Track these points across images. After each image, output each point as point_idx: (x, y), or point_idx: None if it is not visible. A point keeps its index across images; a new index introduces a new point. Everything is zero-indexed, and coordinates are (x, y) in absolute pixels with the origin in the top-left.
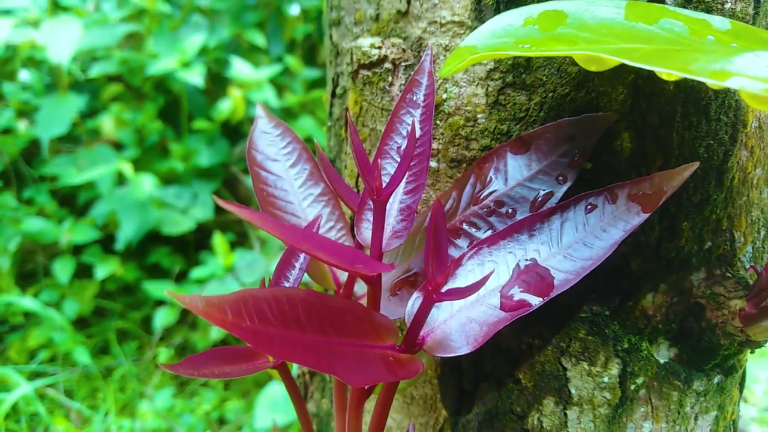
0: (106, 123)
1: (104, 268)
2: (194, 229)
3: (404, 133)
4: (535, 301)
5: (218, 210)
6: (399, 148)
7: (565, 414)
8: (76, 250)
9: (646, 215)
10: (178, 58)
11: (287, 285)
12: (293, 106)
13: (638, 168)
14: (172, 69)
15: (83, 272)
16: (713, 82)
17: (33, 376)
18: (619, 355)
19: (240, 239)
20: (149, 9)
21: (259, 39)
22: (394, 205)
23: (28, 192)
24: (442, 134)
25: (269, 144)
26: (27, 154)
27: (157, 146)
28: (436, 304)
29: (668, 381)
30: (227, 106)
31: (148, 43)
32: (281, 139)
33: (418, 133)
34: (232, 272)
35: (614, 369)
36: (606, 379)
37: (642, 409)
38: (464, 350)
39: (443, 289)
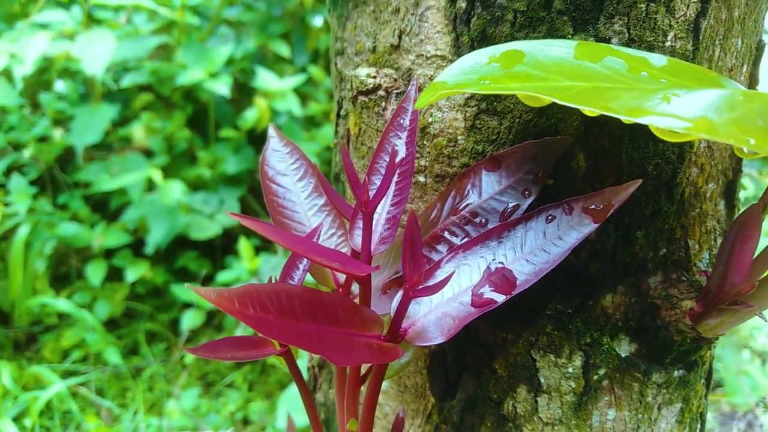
0: (137, 131)
1: (134, 272)
2: (220, 234)
3: (394, 149)
4: (501, 298)
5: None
6: (393, 165)
7: (536, 401)
8: (108, 253)
9: (596, 225)
10: (205, 69)
11: (292, 283)
12: (316, 114)
13: (593, 184)
14: (200, 79)
15: (114, 275)
16: (627, 119)
17: (66, 374)
18: (582, 348)
19: (264, 244)
20: (179, 21)
21: (284, 49)
22: (383, 215)
23: (63, 197)
24: (429, 153)
25: (279, 161)
26: (62, 161)
27: (185, 154)
28: (417, 300)
29: (629, 373)
30: (253, 115)
31: (178, 55)
32: (290, 156)
33: (403, 153)
34: (257, 276)
35: (577, 360)
36: (570, 370)
37: (606, 398)
38: (438, 340)
39: (419, 287)
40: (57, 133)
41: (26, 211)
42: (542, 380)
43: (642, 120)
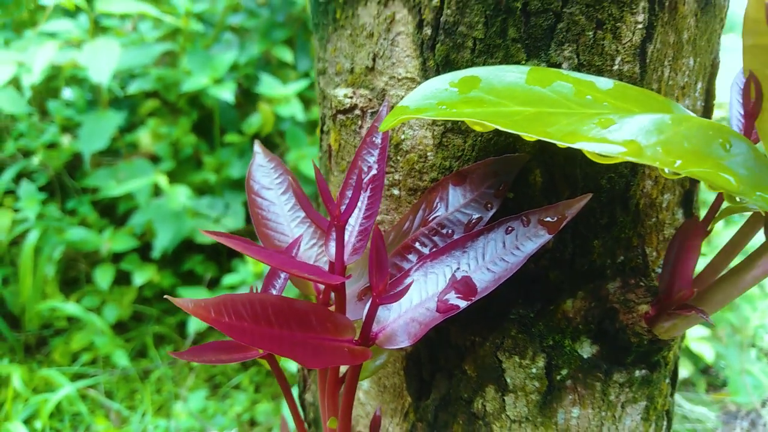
0: (144, 137)
1: (142, 275)
2: None
3: (365, 168)
4: (463, 304)
5: (249, 219)
6: (364, 179)
7: (503, 400)
8: (116, 258)
9: (551, 236)
10: (210, 76)
11: (274, 292)
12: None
13: (550, 197)
14: (204, 86)
15: (122, 279)
16: (562, 144)
17: (75, 377)
18: (544, 350)
19: None
20: (183, 28)
21: (287, 55)
22: (355, 227)
23: (71, 203)
24: (402, 167)
25: (264, 175)
26: (70, 167)
27: (191, 159)
28: (388, 306)
29: (591, 373)
30: (257, 120)
31: (183, 61)
32: (274, 171)
33: (375, 169)
34: (262, 279)
35: (541, 362)
36: (534, 371)
37: (570, 397)
38: (405, 343)
39: (385, 295)
40: (65, 140)
41: (35, 217)
42: (508, 380)
43: (575, 145)
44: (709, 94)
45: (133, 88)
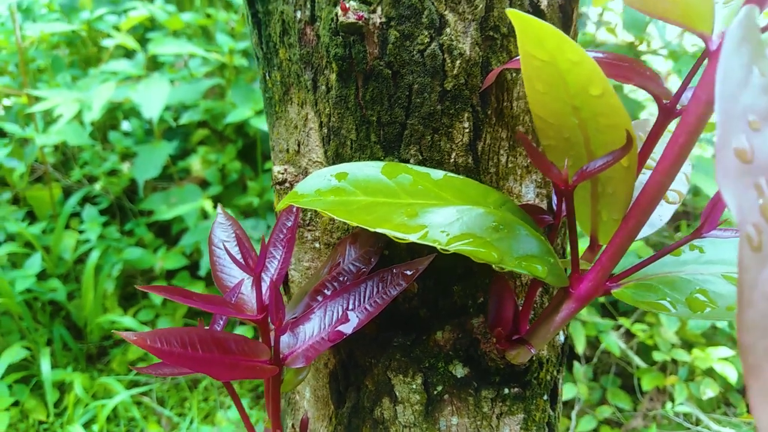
0: (195, 163)
1: None
2: None
3: (285, 230)
4: (347, 332)
5: None
6: (282, 239)
7: (395, 409)
8: (169, 275)
9: (407, 284)
10: (252, 107)
11: (221, 322)
12: None
13: (413, 255)
14: (247, 117)
15: None
16: (371, 229)
17: (131, 385)
18: (422, 370)
19: None
20: (228, 64)
21: None
22: (275, 274)
23: (129, 225)
24: (320, 226)
25: (223, 231)
26: (129, 192)
27: (237, 183)
28: (296, 335)
29: (464, 389)
30: None
31: (228, 94)
32: (231, 228)
33: (291, 232)
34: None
35: (419, 380)
36: (415, 386)
37: (448, 408)
38: (302, 364)
39: (282, 328)
40: (125, 167)
41: (97, 238)
42: (397, 393)
43: (378, 230)
44: None
45: (185, 118)
